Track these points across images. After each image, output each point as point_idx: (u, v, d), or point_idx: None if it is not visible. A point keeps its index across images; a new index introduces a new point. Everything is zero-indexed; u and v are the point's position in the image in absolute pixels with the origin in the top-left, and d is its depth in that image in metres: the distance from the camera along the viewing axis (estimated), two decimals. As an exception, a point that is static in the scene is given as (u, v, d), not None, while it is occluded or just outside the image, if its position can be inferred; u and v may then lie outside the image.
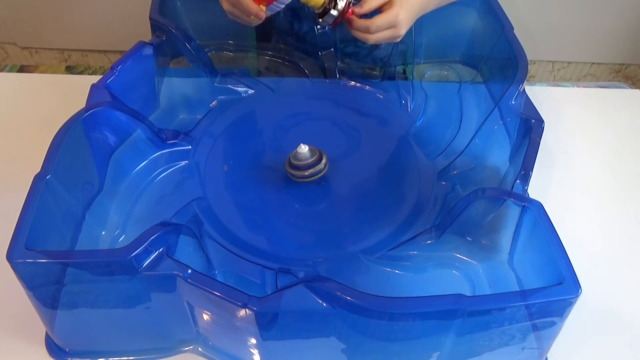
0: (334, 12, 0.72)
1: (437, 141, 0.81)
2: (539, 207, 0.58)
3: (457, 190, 0.74)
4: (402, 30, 0.74)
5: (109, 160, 0.69)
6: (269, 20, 0.93)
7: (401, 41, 0.89)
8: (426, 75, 0.94)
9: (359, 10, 0.73)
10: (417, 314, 0.49)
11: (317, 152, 0.72)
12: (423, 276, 0.65)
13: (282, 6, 0.71)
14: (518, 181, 0.62)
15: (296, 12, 0.89)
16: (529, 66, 0.75)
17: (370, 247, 0.68)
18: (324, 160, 0.72)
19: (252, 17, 0.71)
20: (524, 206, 0.59)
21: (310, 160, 0.71)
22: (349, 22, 0.74)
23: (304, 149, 0.71)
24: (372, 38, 0.73)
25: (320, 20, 0.74)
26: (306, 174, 0.71)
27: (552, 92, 0.96)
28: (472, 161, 0.76)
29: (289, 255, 0.67)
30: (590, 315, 0.65)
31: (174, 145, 0.77)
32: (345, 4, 0.72)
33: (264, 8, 0.70)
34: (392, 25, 0.73)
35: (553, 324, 0.53)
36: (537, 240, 0.57)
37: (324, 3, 0.72)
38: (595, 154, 0.85)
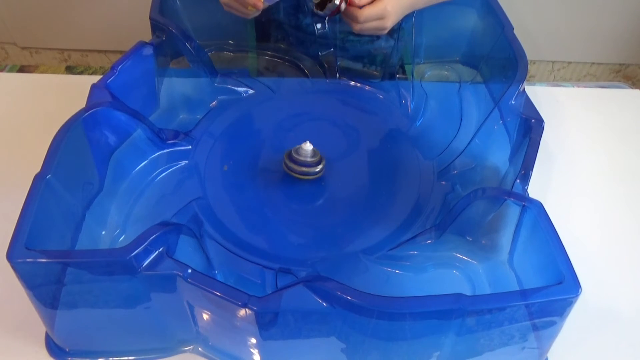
0: (332, 4, 0.72)
1: (437, 141, 0.81)
2: (539, 207, 0.58)
3: (457, 190, 0.74)
4: (389, 23, 0.75)
5: (109, 160, 0.69)
6: (268, 19, 0.93)
7: (400, 40, 0.90)
8: (426, 75, 0.94)
9: (354, 2, 0.73)
10: (417, 314, 0.49)
11: (319, 156, 0.73)
12: (423, 276, 0.65)
13: None
14: (518, 181, 0.62)
15: (299, 4, 0.89)
16: (529, 66, 0.76)
17: (370, 246, 0.68)
18: (321, 166, 0.72)
19: (249, 7, 0.71)
20: (524, 206, 0.59)
21: (309, 160, 0.71)
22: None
23: (308, 146, 0.71)
24: (357, 27, 0.74)
25: (319, 11, 0.74)
26: (301, 169, 0.72)
27: (552, 92, 0.96)
28: (472, 161, 0.76)
29: (289, 255, 0.67)
30: (590, 315, 0.65)
31: (174, 145, 0.77)
32: None
33: None
34: (380, 17, 0.74)
35: (553, 323, 0.53)
36: (537, 240, 0.57)
37: None
38: (595, 153, 0.85)
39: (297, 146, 0.72)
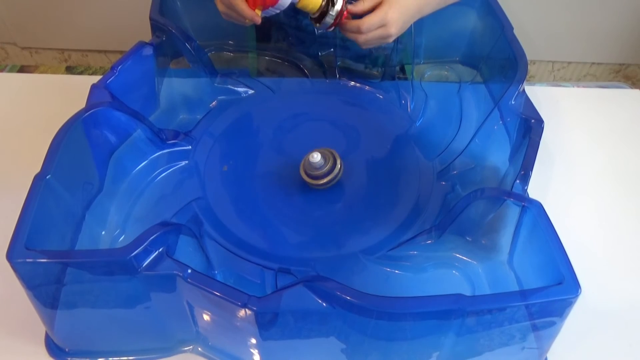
0: (330, 17, 0.72)
1: (437, 141, 0.81)
2: (538, 207, 0.58)
3: (457, 190, 0.74)
4: (392, 30, 0.73)
5: (109, 160, 0.69)
6: (268, 19, 0.93)
7: (400, 41, 0.90)
8: (426, 76, 0.94)
9: (353, 10, 0.73)
10: (416, 314, 0.49)
11: (331, 157, 0.71)
12: (423, 276, 0.65)
13: (278, 11, 0.71)
14: (518, 181, 0.62)
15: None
16: (529, 66, 0.76)
17: (370, 247, 0.68)
18: (338, 164, 0.71)
19: (247, 20, 0.71)
20: (523, 206, 0.59)
21: (325, 169, 0.70)
22: (341, 23, 0.74)
23: (316, 157, 0.69)
24: (362, 38, 0.73)
25: (317, 24, 0.74)
26: (324, 181, 0.70)
27: (552, 92, 0.96)
28: (471, 161, 0.76)
29: (288, 255, 0.67)
30: (590, 315, 0.65)
31: (174, 145, 0.77)
32: (343, 5, 0.72)
33: (259, 12, 0.70)
34: (381, 24, 0.73)
35: (553, 323, 0.53)
36: (537, 240, 0.57)
37: (320, 6, 0.72)
38: (595, 154, 0.85)
39: (306, 159, 0.70)
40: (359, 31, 0.73)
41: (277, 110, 0.86)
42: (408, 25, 0.77)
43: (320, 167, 0.70)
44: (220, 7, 0.73)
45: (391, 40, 0.75)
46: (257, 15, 0.70)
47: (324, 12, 0.72)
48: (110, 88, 0.69)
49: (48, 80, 0.93)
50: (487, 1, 0.87)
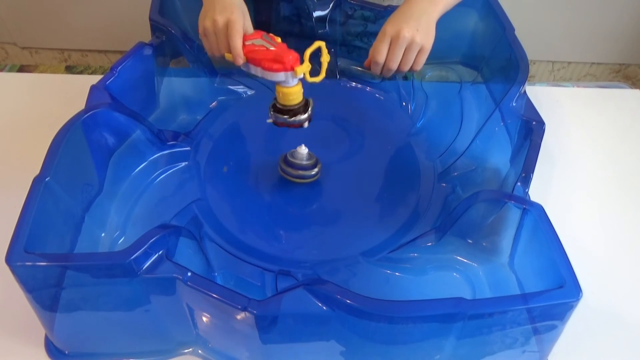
0: (293, 119, 0.68)
1: (437, 142, 0.81)
2: (539, 210, 0.58)
3: (458, 192, 0.74)
4: (406, 33, 0.69)
5: (108, 162, 0.68)
6: (269, 20, 0.93)
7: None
8: (427, 76, 0.94)
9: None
10: (417, 317, 0.49)
11: (314, 159, 0.72)
12: (423, 279, 0.65)
13: (258, 76, 0.67)
14: (519, 183, 0.62)
15: (299, 12, 0.89)
16: (529, 66, 0.75)
17: (370, 249, 0.67)
18: (316, 169, 0.72)
19: (227, 54, 0.67)
20: (524, 209, 0.59)
21: (304, 163, 0.71)
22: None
23: (304, 149, 0.71)
24: (389, 65, 0.72)
25: (274, 114, 0.69)
26: (295, 174, 0.72)
27: (552, 92, 0.96)
28: (472, 163, 0.75)
29: (288, 257, 0.67)
30: (591, 316, 0.64)
31: (173, 146, 0.76)
32: (306, 119, 0.69)
33: (245, 58, 0.66)
34: (389, 39, 0.70)
35: (554, 327, 0.53)
36: (538, 243, 0.57)
37: (295, 105, 0.68)
38: (596, 154, 0.85)
39: (292, 150, 0.72)
40: (379, 65, 0.72)
41: (277, 111, 0.86)
42: (425, 16, 0.72)
43: (302, 159, 0.71)
44: (208, 24, 0.67)
45: (418, 39, 0.70)
46: (242, 58, 0.66)
47: (290, 110, 0.68)
48: (110, 89, 0.68)
49: (48, 80, 0.93)
50: (488, 2, 0.87)
